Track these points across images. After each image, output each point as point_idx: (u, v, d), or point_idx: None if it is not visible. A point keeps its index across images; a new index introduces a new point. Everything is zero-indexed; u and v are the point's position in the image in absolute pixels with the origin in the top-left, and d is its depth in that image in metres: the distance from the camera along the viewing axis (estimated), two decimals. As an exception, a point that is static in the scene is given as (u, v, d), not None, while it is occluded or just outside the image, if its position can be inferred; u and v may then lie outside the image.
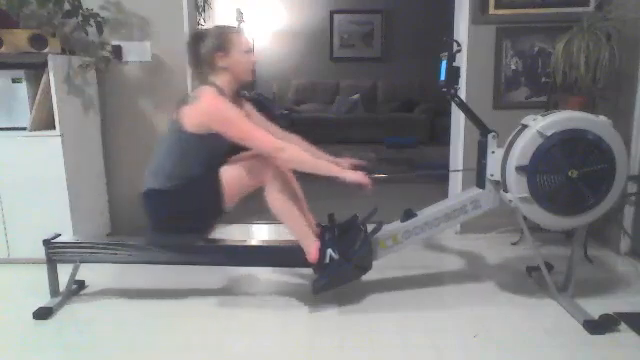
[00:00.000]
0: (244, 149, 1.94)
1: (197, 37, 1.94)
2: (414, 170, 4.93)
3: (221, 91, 1.88)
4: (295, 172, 2.02)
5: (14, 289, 2.26)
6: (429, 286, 2.22)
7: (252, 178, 1.90)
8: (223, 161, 1.96)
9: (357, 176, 1.90)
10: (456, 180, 2.95)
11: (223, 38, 1.91)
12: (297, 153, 1.89)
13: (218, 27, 1.96)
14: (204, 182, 1.90)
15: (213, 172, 1.90)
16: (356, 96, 7.15)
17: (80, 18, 2.58)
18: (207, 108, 1.83)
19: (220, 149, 1.95)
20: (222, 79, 1.93)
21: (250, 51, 1.97)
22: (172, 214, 1.94)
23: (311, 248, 1.95)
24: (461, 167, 2.85)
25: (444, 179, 3.10)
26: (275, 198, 1.91)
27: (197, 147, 1.88)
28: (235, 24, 6.79)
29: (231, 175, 1.90)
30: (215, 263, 2.14)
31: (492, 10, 2.70)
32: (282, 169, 1.93)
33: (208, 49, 1.90)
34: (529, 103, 2.78)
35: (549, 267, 2.14)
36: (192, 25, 2.84)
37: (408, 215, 2.06)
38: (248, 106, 2.12)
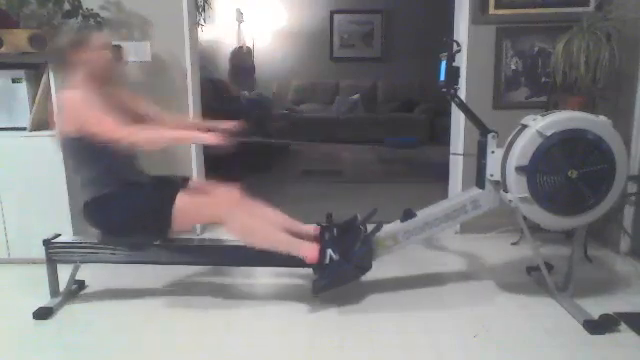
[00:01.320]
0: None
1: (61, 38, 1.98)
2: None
3: (80, 90, 1.86)
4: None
5: (14, 289, 2.26)
6: (429, 286, 2.22)
7: (201, 216, 1.96)
8: (128, 159, 1.96)
9: (210, 137, 1.81)
10: (456, 180, 2.95)
11: (77, 35, 1.95)
12: (144, 133, 1.84)
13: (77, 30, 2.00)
14: (141, 186, 1.93)
15: (169, 197, 1.88)
16: (356, 96, 7.15)
17: (80, 18, 2.58)
18: (65, 108, 1.84)
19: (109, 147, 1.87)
20: (81, 76, 1.90)
21: (105, 47, 1.94)
22: (115, 216, 1.90)
23: (302, 251, 1.94)
24: (461, 167, 2.85)
25: (443, 180, 3.10)
26: (238, 232, 1.93)
27: (91, 148, 1.84)
28: (235, 24, 6.80)
29: (183, 205, 1.88)
30: (215, 263, 2.14)
31: (492, 10, 2.70)
32: (232, 204, 1.93)
33: (63, 46, 1.93)
34: (529, 103, 2.77)
35: (549, 267, 2.13)
36: (192, 25, 2.84)
37: (408, 215, 2.06)
38: (121, 92, 2.07)
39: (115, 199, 1.88)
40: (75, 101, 1.82)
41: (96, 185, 1.90)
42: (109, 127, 1.80)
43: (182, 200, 1.89)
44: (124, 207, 1.89)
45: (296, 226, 2.11)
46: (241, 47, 6.84)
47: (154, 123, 2.03)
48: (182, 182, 2.04)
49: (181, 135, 1.96)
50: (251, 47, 7.17)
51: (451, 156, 3.02)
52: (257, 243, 1.94)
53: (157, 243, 2.02)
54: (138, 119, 1.97)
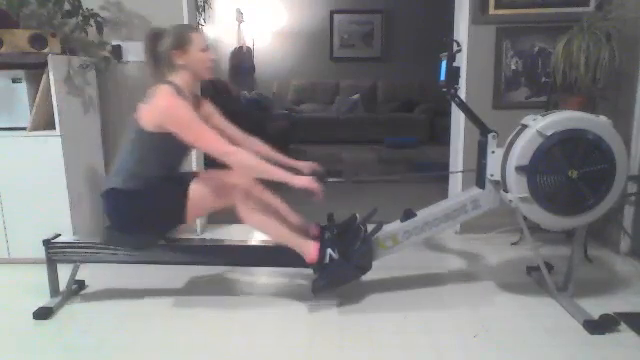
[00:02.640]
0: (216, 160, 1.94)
1: (154, 35, 1.93)
2: (411, 171, 4.92)
3: (178, 89, 1.87)
4: (266, 184, 2.02)
5: (14, 289, 2.26)
6: (429, 286, 2.22)
7: (218, 199, 1.92)
8: (181, 162, 1.98)
9: (305, 182, 1.85)
10: (456, 180, 2.95)
11: (180, 36, 1.90)
12: (245, 157, 1.85)
13: (175, 25, 1.96)
14: (169, 190, 1.91)
15: (181, 182, 1.90)
16: (356, 96, 7.15)
17: (80, 18, 2.58)
18: (162, 107, 1.82)
19: (180, 149, 1.94)
20: (179, 77, 1.92)
21: (207, 49, 1.95)
22: (132, 214, 1.93)
23: (304, 249, 1.95)
24: (461, 167, 2.85)
25: (443, 180, 3.10)
26: (249, 217, 1.92)
27: (155, 146, 1.88)
28: (235, 24, 6.80)
29: (198, 192, 1.90)
30: (215, 263, 2.14)
31: (492, 10, 2.70)
32: (249, 189, 1.94)
33: (166, 47, 1.90)
34: (529, 103, 2.78)
35: (549, 267, 2.14)
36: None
37: (408, 215, 2.06)
38: (209, 106, 2.11)
39: (138, 198, 1.89)
40: (179, 107, 1.81)
41: (132, 179, 1.89)
42: (211, 139, 1.83)
43: (195, 190, 1.90)
44: (143, 206, 1.91)
45: (293, 217, 2.12)
46: (241, 47, 6.84)
47: (231, 141, 1.98)
48: (193, 177, 2.03)
49: (276, 173, 1.87)
50: (251, 47, 7.17)
51: (451, 156, 3.02)
52: (264, 233, 1.96)
53: (161, 243, 2.02)
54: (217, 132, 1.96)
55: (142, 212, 1.92)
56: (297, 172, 1.99)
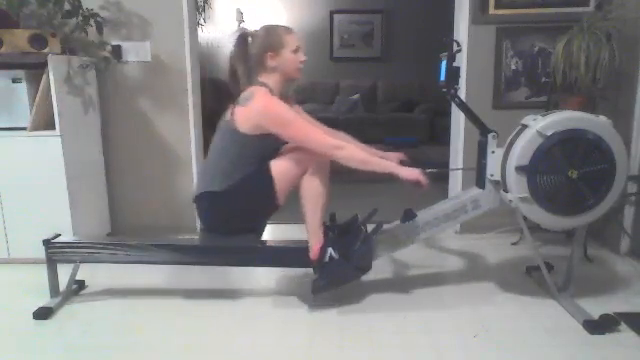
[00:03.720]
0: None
1: (246, 37, 1.95)
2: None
3: (271, 91, 1.89)
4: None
5: (14, 289, 2.26)
6: (429, 286, 2.22)
7: (300, 167, 1.90)
8: (274, 157, 1.97)
9: (413, 174, 1.88)
10: (456, 180, 2.95)
11: (273, 37, 1.91)
12: (355, 151, 1.89)
13: (266, 27, 1.96)
14: (258, 179, 1.91)
15: (265, 168, 1.90)
16: (356, 96, 7.15)
17: (80, 18, 2.58)
18: (262, 109, 1.82)
19: (274, 148, 1.96)
20: (272, 78, 1.93)
21: (299, 49, 1.97)
22: (228, 215, 1.94)
23: (316, 245, 1.95)
24: (461, 167, 2.85)
25: (443, 180, 3.10)
26: (310, 185, 1.91)
27: (253, 147, 1.88)
28: (235, 24, 6.80)
29: (280, 168, 1.90)
30: (215, 263, 2.14)
31: (492, 10, 2.70)
32: (325, 162, 1.93)
33: (258, 49, 1.90)
34: (529, 103, 2.78)
35: (549, 267, 2.14)
36: (192, 25, 2.84)
37: (408, 215, 2.06)
38: (296, 105, 2.12)
39: (234, 196, 1.90)
40: (281, 108, 1.83)
41: (227, 180, 1.89)
42: (316, 135, 1.86)
43: (276, 166, 1.90)
44: (240, 203, 1.91)
45: (326, 203, 2.09)
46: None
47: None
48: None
49: (386, 166, 1.90)
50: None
51: (451, 156, 3.02)
52: (307, 207, 1.94)
53: (255, 244, 2.03)
54: None
55: (238, 209, 1.92)
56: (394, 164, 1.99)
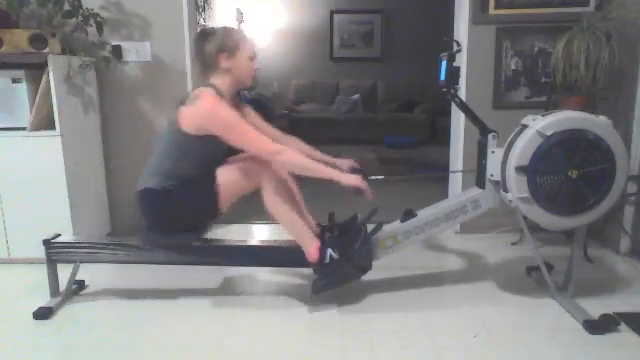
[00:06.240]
0: (241, 150, 1.94)
1: (204, 35, 1.94)
2: (413, 172, 4.91)
3: (220, 92, 1.88)
4: (293, 174, 2.02)
5: (14, 289, 2.26)
6: (429, 286, 2.22)
7: (248, 180, 1.90)
8: (220, 162, 1.97)
9: (355, 180, 1.88)
10: (456, 180, 2.95)
11: (230, 39, 1.91)
12: (294, 156, 1.88)
13: (226, 28, 1.96)
14: (200, 182, 1.90)
15: (210, 173, 1.90)
16: (356, 96, 7.15)
17: (80, 18, 2.58)
18: (206, 110, 1.81)
19: (218, 150, 1.95)
20: (222, 80, 1.93)
21: (254, 57, 1.97)
22: (168, 214, 1.93)
23: (310, 248, 1.95)
24: (461, 167, 2.85)
25: (443, 180, 3.11)
26: (272, 200, 1.91)
27: (195, 148, 1.88)
28: (235, 24, 6.80)
29: (227, 177, 1.90)
30: (215, 263, 2.14)
31: (492, 10, 2.70)
32: (279, 172, 1.94)
33: (214, 48, 1.90)
34: (529, 103, 2.78)
35: (549, 267, 2.14)
36: (192, 25, 2.84)
37: (408, 215, 2.06)
38: (247, 108, 2.12)
39: (174, 197, 1.89)
40: (225, 110, 1.82)
41: (168, 179, 1.89)
42: (258, 140, 1.85)
43: (223, 175, 1.89)
44: (179, 205, 1.90)
45: (306, 213, 2.12)
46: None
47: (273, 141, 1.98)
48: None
49: (326, 172, 1.89)
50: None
51: (451, 156, 3.02)
52: (280, 220, 1.94)
53: (196, 244, 2.02)
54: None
55: (178, 210, 1.92)
56: (336, 170, 1.99)
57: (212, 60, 1.91)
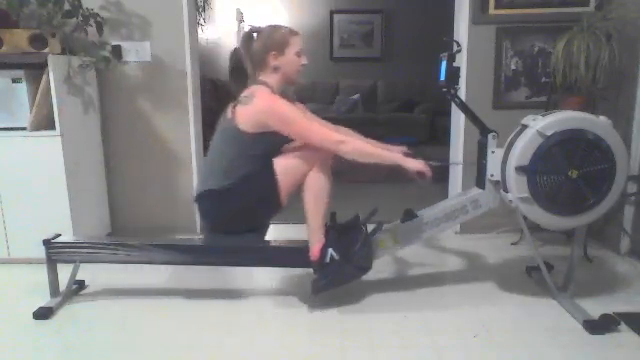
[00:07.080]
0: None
1: (251, 34, 1.95)
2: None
3: (272, 90, 1.90)
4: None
5: (14, 289, 2.26)
6: (429, 286, 2.22)
7: (305, 166, 1.90)
8: (277, 154, 1.96)
9: (419, 165, 1.89)
10: (456, 180, 2.95)
11: (278, 37, 1.92)
12: (359, 144, 1.90)
13: (272, 26, 1.96)
14: (260, 176, 1.90)
15: (268, 166, 1.90)
16: (356, 96, 7.15)
17: (80, 18, 2.58)
18: (265, 107, 1.83)
19: (277, 145, 1.96)
20: (272, 78, 1.94)
21: (302, 53, 1.98)
22: (230, 212, 1.93)
23: (317, 245, 1.95)
24: (461, 167, 2.85)
25: (443, 180, 3.10)
26: (314, 182, 1.90)
27: (254, 146, 1.88)
28: (235, 24, 6.80)
29: (284, 166, 1.90)
30: (215, 263, 2.14)
31: (492, 10, 2.70)
32: (328, 159, 1.93)
33: (262, 47, 1.91)
34: (529, 103, 2.78)
35: (549, 267, 2.13)
36: (192, 25, 2.84)
37: (408, 215, 2.06)
38: (298, 103, 2.12)
39: (235, 195, 1.89)
40: (283, 105, 1.83)
41: (227, 178, 1.89)
42: (320, 131, 1.86)
43: (280, 165, 1.89)
44: (241, 202, 1.90)
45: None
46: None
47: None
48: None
49: (391, 157, 1.92)
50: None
51: (451, 156, 3.02)
52: (310, 205, 1.93)
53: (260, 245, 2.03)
54: None
55: (240, 207, 1.92)
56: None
57: (261, 59, 1.93)
